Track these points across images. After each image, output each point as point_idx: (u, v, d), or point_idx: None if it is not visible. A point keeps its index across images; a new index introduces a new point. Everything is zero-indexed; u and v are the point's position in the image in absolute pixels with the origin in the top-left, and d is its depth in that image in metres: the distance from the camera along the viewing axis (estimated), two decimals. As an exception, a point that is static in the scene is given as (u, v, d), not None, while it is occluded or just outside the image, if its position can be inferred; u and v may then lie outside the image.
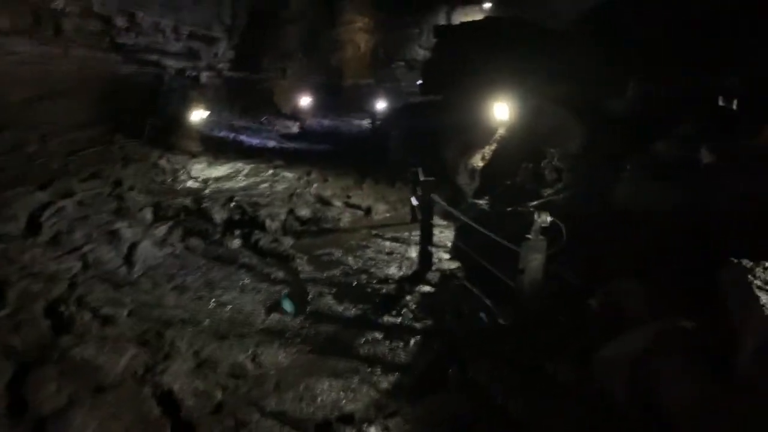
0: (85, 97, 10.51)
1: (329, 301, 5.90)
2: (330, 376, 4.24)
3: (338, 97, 26.26)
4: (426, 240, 6.76)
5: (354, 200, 10.11)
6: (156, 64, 13.65)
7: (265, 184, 10.23)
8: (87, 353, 3.82)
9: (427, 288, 6.25)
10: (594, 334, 4.23)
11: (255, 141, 15.47)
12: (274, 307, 5.72)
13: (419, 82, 19.18)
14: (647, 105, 7.22)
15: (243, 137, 15.49)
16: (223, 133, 15.27)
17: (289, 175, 11.33)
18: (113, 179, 8.28)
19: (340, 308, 5.74)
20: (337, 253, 7.54)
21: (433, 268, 6.80)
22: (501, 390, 4.00)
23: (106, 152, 9.74)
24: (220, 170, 10.81)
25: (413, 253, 7.42)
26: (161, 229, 7.32)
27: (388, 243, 8.06)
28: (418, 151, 11.73)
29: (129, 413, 3.42)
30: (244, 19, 19.18)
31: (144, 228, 7.14)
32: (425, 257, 6.76)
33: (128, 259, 6.36)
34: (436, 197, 6.80)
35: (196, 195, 8.59)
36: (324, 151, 15.27)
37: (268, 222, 8.21)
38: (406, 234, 8.41)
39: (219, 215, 8.04)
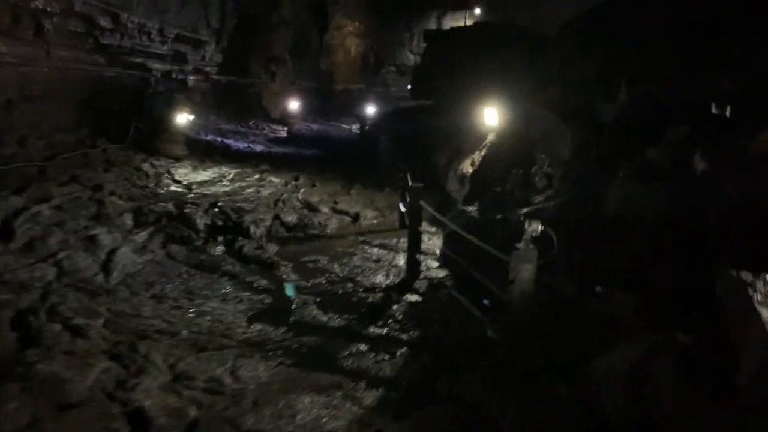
0: (68, 100, 10.26)
1: (313, 311, 5.71)
2: (312, 392, 4.05)
3: (328, 101, 26.13)
4: (414, 248, 6.60)
5: (341, 206, 9.93)
6: (141, 66, 13.40)
7: (251, 189, 10.03)
8: (54, 368, 3.61)
9: (414, 297, 6.08)
10: (587, 345, 4.08)
11: (242, 145, 15.26)
12: (256, 317, 5.53)
13: (409, 86, 19.09)
14: (639, 109, 7.09)
15: (230, 141, 15.28)
16: (209, 137, 15.05)
17: (275, 180, 11.13)
18: (93, 183, 8.03)
19: (324, 318, 5.56)
20: (323, 261, 7.37)
21: (421, 276, 6.64)
22: (491, 404, 3.84)
23: (87, 156, 9.49)
24: (205, 174, 10.60)
25: (401, 260, 7.25)
26: (141, 235, 7.10)
27: (375, 250, 7.89)
28: (407, 157, 11.55)
29: (96, 432, 3.23)
30: (232, 22, 18.95)
31: (123, 234, 6.92)
32: (413, 265, 6.60)
33: (106, 267, 6.14)
34: (424, 204, 6.64)
35: (179, 200, 8.37)
36: (312, 156, 15.09)
37: (252, 228, 8.01)
38: (394, 241, 8.25)
39: (202, 221, 7.82)
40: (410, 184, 7.40)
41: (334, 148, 16.80)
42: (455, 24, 25.03)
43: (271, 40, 22.23)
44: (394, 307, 5.83)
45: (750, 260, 3.56)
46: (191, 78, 16.87)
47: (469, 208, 7.23)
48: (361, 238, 8.47)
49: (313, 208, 9.50)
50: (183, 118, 11.67)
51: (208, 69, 18.00)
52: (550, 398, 3.80)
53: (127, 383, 3.74)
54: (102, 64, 11.62)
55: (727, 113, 6.33)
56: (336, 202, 10.11)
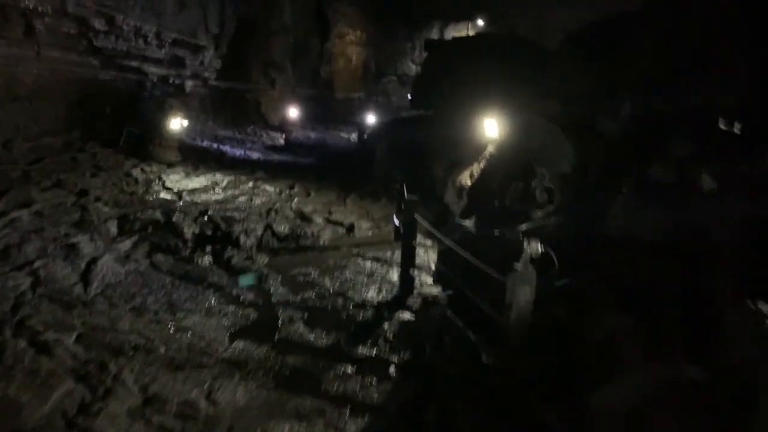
0: (58, 102, 10.03)
1: (300, 328, 5.44)
2: (292, 418, 3.79)
3: (328, 109, 25.93)
4: (407, 263, 6.33)
5: (336, 216, 9.67)
6: (137, 70, 13.17)
7: (244, 198, 9.77)
8: (11, 390, 3.34)
9: (407, 315, 5.81)
10: (586, 374, 3.81)
11: (238, 152, 15.01)
12: (240, 333, 5.26)
13: (409, 96, 18.89)
14: (641, 123, 6.87)
15: (226, 148, 15.03)
16: (205, 143, 14.81)
17: (270, 188, 10.88)
18: (79, 189, 7.78)
19: (311, 336, 5.28)
20: (314, 273, 7.09)
21: (415, 292, 6.37)
22: (483, 436, 3.58)
23: (76, 160, 9.23)
24: (198, 182, 10.34)
25: (395, 275, 6.98)
26: (126, 244, 6.84)
27: (369, 263, 7.62)
28: (405, 167, 11.34)
29: (52, 463, 2.96)
30: (232, 28, 18.78)
31: (107, 242, 6.66)
32: (406, 281, 6.34)
33: (85, 277, 5.87)
34: (419, 217, 6.38)
35: (168, 207, 8.12)
36: (309, 165, 14.85)
37: (242, 238, 7.75)
38: (389, 254, 7.97)
39: (190, 230, 7.56)
40: (405, 196, 7.15)
41: (331, 156, 16.57)
42: (457, 35, 24.93)
43: (270, 46, 22.06)
44: (385, 325, 5.56)
45: (761, 287, 3.31)
46: (189, 83, 16.65)
47: (466, 222, 6.98)
48: (355, 250, 8.20)
49: (306, 218, 9.24)
50: (177, 124, 11.43)
51: (206, 74, 17.79)
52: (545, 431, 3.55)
53: (92, 408, 3.47)
54: (95, 66, 11.39)
55: (736, 129, 6.10)
56: (330, 212, 9.85)
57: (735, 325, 3.08)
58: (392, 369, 4.66)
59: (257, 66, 21.54)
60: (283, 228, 8.50)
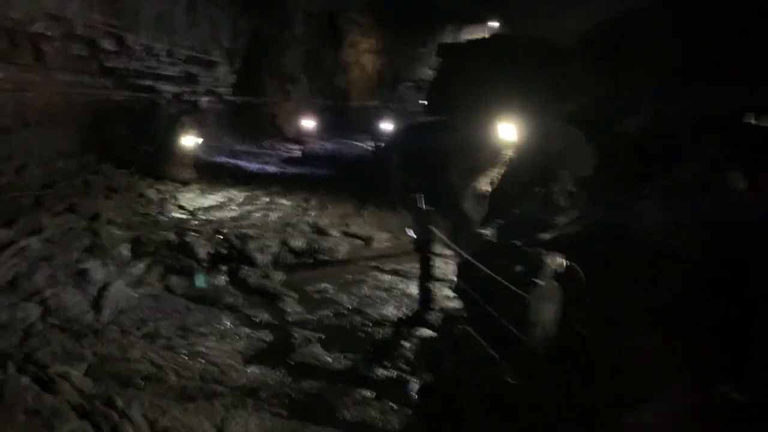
0: (71, 125, 10.01)
1: (316, 349, 5.25)
2: (307, 452, 3.59)
3: (344, 119, 25.82)
4: (426, 277, 6.11)
5: (353, 228, 9.49)
6: (150, 89, 13.17)
7: (259, 214, 9.63)
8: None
9: (427, 332, 5.59)
10: (615, 397, 3.55)
11: (254, 166, 14.93)
12: (254, 357, 5.09)
13: (424, 102, 18.67)
14: (665, 123, 6.57)
15: (242, 162, 14.97)
16: (222, 159, 14.76)
17: (286, 202, 10.74)
18: (91, 212, 7.69)
19: (328, 358, 5.09)
20: (331, 290, 6.91)
21: (435, 307, 6.14)
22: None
23: (89, 183, 9.18)
24: (212, 199, 10.23)
25: (413, 288, 6.76)
26: (139, 267, 6.72)
27: (387, 277, 7.42)
28: (422, 174, 11.12)
29: None
30: (245, 43, 18.79)
31: (119, 266, 6.55)
32: (426, 296, 6.11)
33: (97, 304, 5.75)
34: (434, 230, 6.16)
35: (182, 227, 8.00)
36: (325, 176, 14.70)
37: (258, 255, 7.60)
38: (408, 266, 7.77)
39: (204, 250, 7.44)
40: (421, 206, 6.94)
41: (348, 167, 16.41)
42: (472, 38, 24.67)
43: (284, 59, 22.04)
44: (405, 344, 5.34)
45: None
46: (203, 99, 16.67)
47: (485, 232, 6.71)
48: (373, 264, 8.02)
49: (323, 232, 9.07)
50: (190, 141, 11.36)
51: (220, 90, 17.80)
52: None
53: (96, 449, 3.30)
54: (108, 87, 11.38)
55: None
56: (347, 225, 9.67)
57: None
58: (413, 392, 4.44)
59: (272, 79, 21.52)
60: (299, 243, 8.34)
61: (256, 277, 7.11)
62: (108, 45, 10.61)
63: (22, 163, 8.43)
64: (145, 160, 11.22)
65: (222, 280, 6.98)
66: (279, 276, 7.33)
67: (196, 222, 8.57)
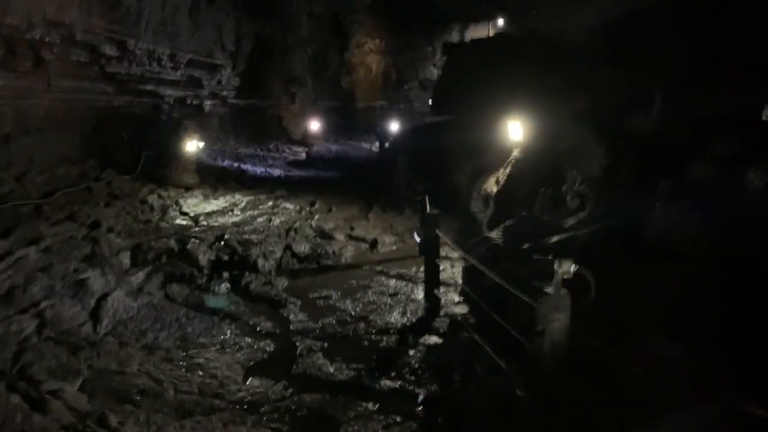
0: (72, 131, 9.90)
1: (319, 359, 5.08)
2: (306, 471, 3.43)
3: (350, 120, 25.68)
4: (432, 282, 5.95)
5: (358, 232, 9.33)
6: (153, 93, 13.06)
7: (263, 218, 9.48)
8: (-6, 457, 3.07)
9: (433, 339, 5.43)
10: (627, 410, 3.36)
11: (259, 170, 14.79)
12: (255, 369, 4.94)
13: (429, 101, 18.50)
14: (676, 121, 6.36)
15: (247, 166, 14.82)
16: (226, 163, 14.62)
17: (290, 206, 10.59)
18: (91, 220, 7.55)
19: (331, 369, 4.92)
20: (335, 296, 6.75)
21: (441, 313, 5.99)
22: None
23: (91, 190, 9.06)
24: (216, 204, 10.09)
25: (420, 293, 6.61)
26: (139, 276, 6.59)
27: (392, 282, 7.25)
28: (427, 176, 10.97)
29: None
30: (249, 45, 18.68)
31: (119, 275, 6.41)
32: (432, 302, 5.96)
33: (95, 314, 5.61)
34: (440, 234, 5.99)
35: (183, 234, 7.86)
36: (331, 178, 14.55)
37: (261, 261, 7.44)
38: (414, 270, 7.61)
39: (206, 257, 7.29)
40: (427, 209, 6.78)
41: (353, 168, 16.26)
42: (478, 36, 24.43)
43: (289, 61, 21.93)
44: (410, 352, 5.18)
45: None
46: (207, 103, 16.56)
47: (492, 234, 6.54)
48: (378, 268, 7.85)
49: (327, 236, 8.90)
50: (193, 146, 11.22)
51: (225, 93, 17.70)
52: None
53: (84, 471, 3.16)
54: (110, 92, 11.28)
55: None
56: (352, 228, 9.51)
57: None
58: (419, 405, 4.28)
59: (277, 81, 21.40)
60: (303, 248, 8.17)
61: (258, 284, 6.96)
62: (109, 50, 10.50)
63: (23, 170, 8.32)
64: (148, 165, 11.11)
65: (223, 287, 6.83)
66: (282, 282, 7.18)
67: (198, 228, 8.43)
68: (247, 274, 7.15)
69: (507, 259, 5.32)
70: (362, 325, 5.89)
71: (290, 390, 4.55)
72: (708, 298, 3.74)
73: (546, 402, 3.49)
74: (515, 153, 8.80)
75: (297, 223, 9.31)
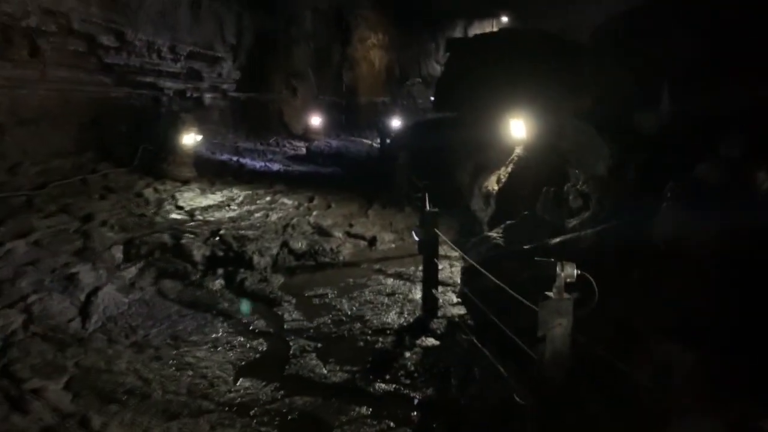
0: (68, 123, 9.75)
1: (312, 361, 4.95)
2: (295, 478, 3.29)
3: (352, 115, 25.50)
4: (430, 282, 5.81)
5: (357, 229, 9.19)
6: (152, 85, 12.91)
7: (260, 214, 9.34)
8: (-32, 461, 2.93)
9: (430, 341, 5.29)
10: (632, 420, 3.22)
11: (258, 164, 14.63)
12: (246, 369, 4.80)
13: (432, 98, 18.33)
14: (685, 120, 6.21)
15: (246, 160, 14.66)
16: (224, 157, 14.45)
17: (288, 201, 10.44)
18: (84, 213, 7.41)
19: (324, 371, 4.78)
20: (331, 294, 6.61)
21: (439, 314, 5.85)
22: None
23: (85, 182, 8.91)
24: (212, 198, 9.93)
25: (417, 293, 6.46)
26: (131, 271, 6.46)
27: (390, 281, 7.11)
28: (429, 173, 10.77)
29: None
30: (250, 38, 18.50)
31: (110, 270, 6.28)
32: (429, 302, 5.81)
33: (84, 310, 5.48)
34: (440, 234, 5.85)
35: (178, 229, 7.71)
36: (331, 174, 14.41)
37: (256, 258, 7.31)
38: (412, 269, 7.46)
39: (200, 252, 7.15)
40: (426, 207, 6.62)
41: (354, 165, 16.11)
42: (482, 32, 24.26)
43: (291, 55, 21.73)
44: (406, 354, 5.04)
45: None
46: (207, 96, 16.40)
47: (493, 234, 6.38)
48: (376, 266, 7.72)
49: (325, 233, 8.76)
50: (191, 139, 11.06)
51: (225, 86, 17.53)
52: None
53: (62, 477, 3.02)
54: (107, 84, 11.13)
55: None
56: (351, 225, 9.37)
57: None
58: (414, 410, 4.13)
59: (278, 75, 21.22)
60: (300, 245, 8.04)
61: (253, 281, 6.83)
62: (107, 41, 10.36)
63: (16, 162, 8.18)
64: (145, 158, 10.96)
65: (217, 284, 6.69)
66: (278, 279, 7.04)
67: (194, 223, 8.28)
68: (242, 270, 7.02)
69: (508, 260, 5.17)
70: (358, 325, 5.75)
71: (282, 392, 4.41)
72: (718, 301, 3.59)
73: (547, 409, 3.34)
74: (518, 151, 8.66)
75: (295, 219, 9.17)
